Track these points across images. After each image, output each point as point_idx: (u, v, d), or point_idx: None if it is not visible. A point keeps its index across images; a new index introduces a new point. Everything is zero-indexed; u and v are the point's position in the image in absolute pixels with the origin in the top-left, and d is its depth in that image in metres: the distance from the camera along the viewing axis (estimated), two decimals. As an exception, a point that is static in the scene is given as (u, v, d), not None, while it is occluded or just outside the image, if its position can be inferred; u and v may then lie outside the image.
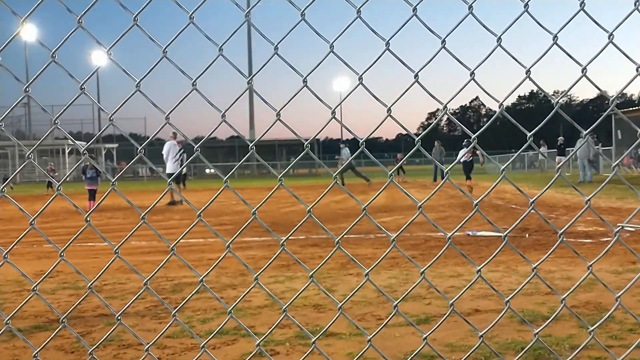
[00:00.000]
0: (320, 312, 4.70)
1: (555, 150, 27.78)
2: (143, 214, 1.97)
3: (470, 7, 1.79)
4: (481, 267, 1.96)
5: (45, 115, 54.80)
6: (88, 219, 2.00)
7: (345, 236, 8.77)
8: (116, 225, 11.73)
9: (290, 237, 2.07)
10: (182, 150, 17.11)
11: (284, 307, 2.08)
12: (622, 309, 4.41)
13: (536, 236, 8.66)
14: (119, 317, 2.09)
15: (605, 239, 8.13)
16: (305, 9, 1.83)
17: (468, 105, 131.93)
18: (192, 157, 2.08)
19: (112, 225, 11.70)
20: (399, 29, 1.82)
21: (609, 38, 1.74)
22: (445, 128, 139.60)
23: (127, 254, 7.65)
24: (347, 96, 2.07)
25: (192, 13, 1.82)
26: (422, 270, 2.05)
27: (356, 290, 2.45)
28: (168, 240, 2.10)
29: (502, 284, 5.53)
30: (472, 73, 1.83)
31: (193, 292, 2.25)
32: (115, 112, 1.99)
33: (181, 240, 7.30)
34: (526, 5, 1.79)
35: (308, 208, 1.96)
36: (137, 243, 8.62)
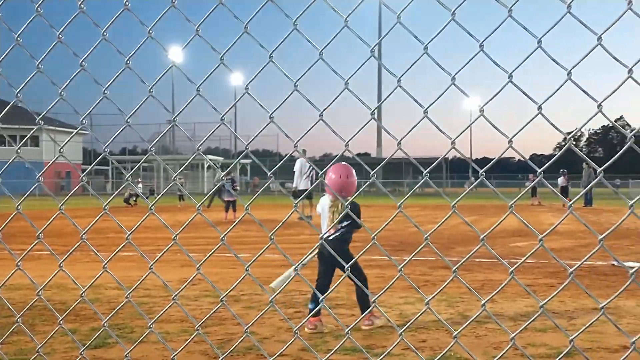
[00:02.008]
0: (452, 336, 4.59)
1: None
2: (270, 233, 2.06)
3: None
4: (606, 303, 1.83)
5: (187, 132, 58.70)
6: (223, 237, 2.12)
7: (478, 260, 8.52)
8: (250, 238, 12.25)
9: (420, 258, 2.06)
10: (311, 167, 17.52)
11: (401, 332, 2.07)
12: None
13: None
14: (247, 330, 2.19)
15: None
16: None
17: (610, 125, 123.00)
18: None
19: (248, 238, 12.24)
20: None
21: None
22: (585, 149, 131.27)
23: (261, 266, 7.97)
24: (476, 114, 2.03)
25: (347, 17, 1.88)
26: (541, 304, 1.95)
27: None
28: (297, 255, 2.17)
29: (654, 321, 5.08)
30: (599, 106, 1.73)
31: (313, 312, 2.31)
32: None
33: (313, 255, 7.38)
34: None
35: (425, 235, 1.95)
36: (270, 256, 8.96)
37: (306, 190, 17.31)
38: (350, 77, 1.84)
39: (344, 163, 4.93)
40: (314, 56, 1.84)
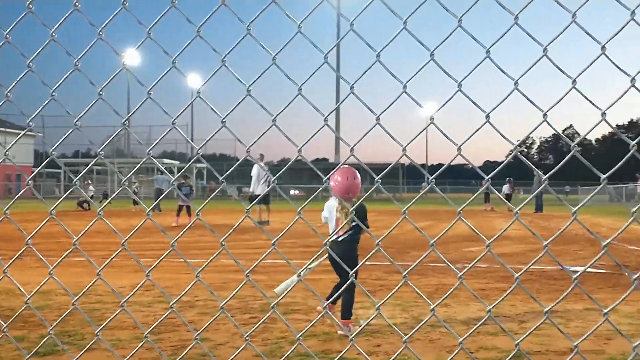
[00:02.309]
0: (408, 342, 4.64)
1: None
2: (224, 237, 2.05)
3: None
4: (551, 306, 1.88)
5: (141, 135, 57.75)
6: (173, 243, 2.10)
7: (432, 265, 8.64)
8: (206, 243, 12.11)
9: (375, 263, 2.08)
10: (267, 173, 17.58)
11: (351, 337, 2.09)
12: None
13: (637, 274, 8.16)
14: (197, 337, 2.17)
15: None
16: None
17: (562, 133, 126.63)
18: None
19: (203, 243, 12.09)
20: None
21: None
22: (536, 157, 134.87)
23: (217, 271, 7.89)
24: (440, 108, 2.06)
25: (301, 23, 1.88)
26: (488, 308, 1.99)
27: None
28: (252, 260, 2.16)
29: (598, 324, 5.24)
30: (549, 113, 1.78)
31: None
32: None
33: (268, 261, 7.46)
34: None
35: (377, 241, 1.97)
36: (226, 261, 8.87)
37: (264, 194, 17.35)
38: (303, 83, 1.84)
39: (347, 166, 5.00)
40: (267, 61, 1.84)
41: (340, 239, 4.93)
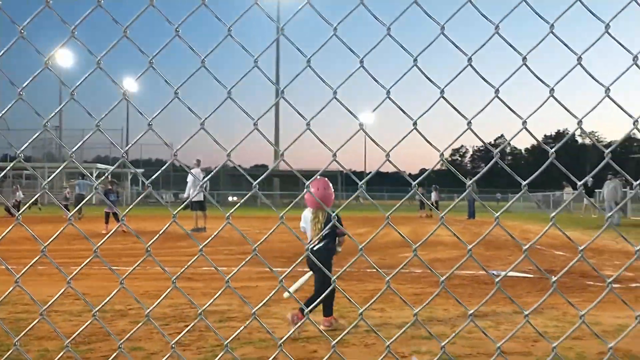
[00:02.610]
0: (344, 346, 4.67)
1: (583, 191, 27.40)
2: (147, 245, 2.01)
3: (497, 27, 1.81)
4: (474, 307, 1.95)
5: (74, 138, 55.72)
6: (96, 250, 2.05)
7: (368, 270, 8.74)
8: (140, 250, 11.82)
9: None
10: (205, 178, 17.40)
11: (280, 342, 2.09)
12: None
13: (562, 279, 8.52)
14: (120, 346, 2.12)
15: (635, 285, 7.96)
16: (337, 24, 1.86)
17: (493, 143, 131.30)
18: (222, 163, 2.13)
19: (138, 250, 11.81)
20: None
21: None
22: (469, 165, 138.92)
23: (152, 279, 7.71)
24: (375, 108, 2.09)
25: (231, 26, 1.87)
26: (415, 312, 2.04)
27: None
28: (191, 268, 2.13)
29: (527, 326, 5.43)
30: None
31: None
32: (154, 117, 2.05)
33: (205, 268, 7.37)
34: (551, 26, 1.82)
35: (307, 246, 1.99)
36: (159, 269, 8.69)
37: (199, 201, 17.23)
38: (233, 86, 1.83)
39: (320, 177, 5.16)
40: (197, 63, 1.81)
41: (315, 248, 5.17)
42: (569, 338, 5.03)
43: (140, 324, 2.16)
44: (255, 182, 1.97)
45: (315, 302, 4.74)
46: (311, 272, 5.35)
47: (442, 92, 1.76)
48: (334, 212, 2.13)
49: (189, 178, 17.57)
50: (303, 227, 5.39)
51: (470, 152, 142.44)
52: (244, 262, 2.23)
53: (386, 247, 12.33)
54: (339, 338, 2.25)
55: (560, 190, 41.54)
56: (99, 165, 57.22)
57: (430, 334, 2.13)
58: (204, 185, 17.31)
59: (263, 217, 25.77)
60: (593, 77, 1.86)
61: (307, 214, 5.29)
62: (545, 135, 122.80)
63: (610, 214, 1.92)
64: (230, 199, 58.68)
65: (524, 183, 1.82)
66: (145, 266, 8.18)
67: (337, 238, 5.25)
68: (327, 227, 5.04)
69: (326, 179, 5.27)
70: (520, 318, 5.71)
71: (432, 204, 30.27)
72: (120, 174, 57.62)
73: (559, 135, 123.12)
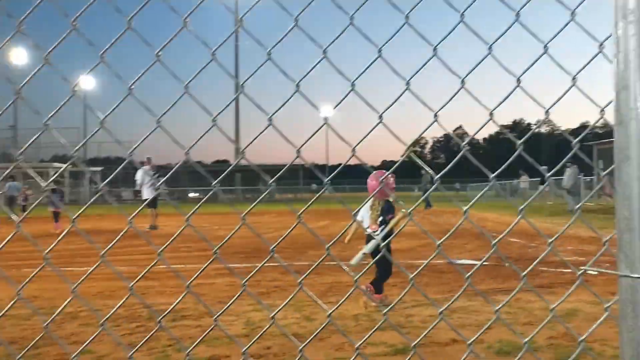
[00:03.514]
0: (300, 341, 4.66)
1: (538, 179, 28.11)
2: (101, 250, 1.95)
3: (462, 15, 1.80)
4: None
5: (31, 137, 53.95)
6: (46, 257, 1.97)
7: (327, 264, 8.74)
8: (95, 251, 11.57)
9: (272, 264, 2.05)
10: (156, 175, 17.44)
11: (244, 350, 2.06)
12: (600, 341, 4.43)
13: (517, 265, 8.69)
14: (76, 355, 2.06)
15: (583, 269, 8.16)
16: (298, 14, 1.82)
17: (452, 133, 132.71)
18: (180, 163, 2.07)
19: (93, 250, 11.54)
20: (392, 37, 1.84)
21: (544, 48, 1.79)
22: (429, 156, 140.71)
23: (107, 279, 7.55)
24: (338, 103, 2.07)
25: (186, 17, 1.80)
26: (443, 310, 2.04)
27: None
28: (143, 267, 2.07)
29: (482, 314, 5.53)
30: (463, 81, 1.85)
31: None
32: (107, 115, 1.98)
33: (162, 267, 7.25)
34: (517, 13, 1.82)
35: (271, 247, 1.96)
36: (117, 268, 8.52)
37: (149, 199, 17.17)
38: (189, 81, 1.76)
39: (377, 171, 5.82)
40: (150, 57, 1.74)
41: (377, 233, 5.88)
42: (519, 324, 5.14)
43: (95, 334, 2.09)
44: (215, 182, 1.92)
45: (381, 279, 5.87)
46: (367, 248, 5.89)
47: (407, 83, 1.74)
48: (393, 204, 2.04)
49: (138, 176, 17.41)
50: (361, 216, 6.05)
51: (431, 143, 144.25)
52: (205, 266, 2.16)
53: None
54: (315, 335, 2.21)
55: (517, 179, 42.46)
56: (55, 165, 55.77)
57: (393, 326, 2.12)
58: (154, 183, 17.29)
59: (224, 214, 25.53)
60: (560, 66, 1.87)
61: (368, 204, 5.98)
62: (502, 125, 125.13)
63: (578, 205, 1.96)
64: (191, 195, 58.03)
65: (491, 176, 1.85)
66: (99, 266, 8.00)
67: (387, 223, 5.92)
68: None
69: (384, 171, 5.99)
70: (474, 306, 5.79)
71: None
72: (77, 172, 56.28)
73: (516, 124, 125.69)
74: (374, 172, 5.77)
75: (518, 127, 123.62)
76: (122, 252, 10.80)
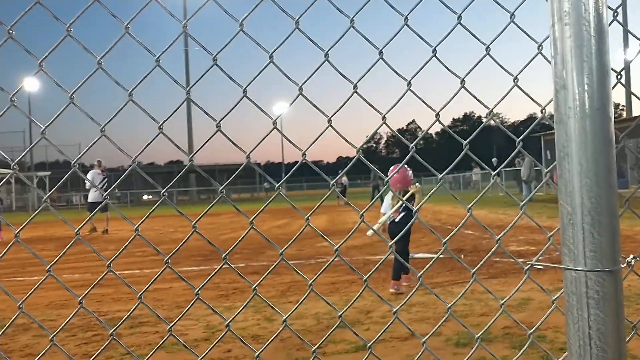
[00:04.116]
0: (259, 342, 4.65)
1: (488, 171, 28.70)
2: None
3: (459, 17, 1.83)
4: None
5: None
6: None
7: (284, 263, 8.73)
8: (48, 258, 11.25)
9: (229, 266, 2.04)
10: (105, 179, 17.27)
11: (200, 358, 2.05)
12: (553, 329, 4.57)
13: (471, 257, 8.88)
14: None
15: (522, 260, 8.40)
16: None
17: (405, 128, 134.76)
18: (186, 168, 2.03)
19: (44, 258, 11.22)
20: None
21: (485, 50, 1.85)
22: (384, 151, 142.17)
23: (58, 288, 7.35)
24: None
25: (128, 23, 1.77)
26: (397, 309, 2.06)
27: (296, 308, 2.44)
28: (100, 273, 2.03)
29: (440, 306, 5.63)
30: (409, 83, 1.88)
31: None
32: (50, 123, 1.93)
33: (118, 272, 7.05)
34: (459, 17, 1.86)
35: (223, 255, 1.95)
36: (70, 276, 8.31)
37: (98, 202, 16.93)
38: (135, 87, 1.73)
39: (394, 165, 6.50)
40: (91, 64, 1.71)
41: (397, 220, 6.67)
42: (475, 315, 5.26)
43: (46, 348, 2.04)
44: (163, 191, 1.88)
45: (400, 265, 6.46)
46: (388, 214, 6.63)
47: (355, 86, 1.76)
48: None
49: (88, 178, 17.14)
50: (384, 210, 6.79)
51: (385, 139, 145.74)
52: (157, 275, 2.13)
53: (303, 238, 12.38)
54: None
55: (470, 171, 43.37)
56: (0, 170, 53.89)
57: (349, 327, 2.14)
58: (104, 187, 17.12)
59: (179, 216, 25.16)
60: (502, 67, 1.92)
61: (390, 195, 6.80)
62: (453, 119, 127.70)
63: (523, 202, 2.02)
64: (145, 197, 57.05)
65: (440, 176, 1.91)
66: (44, 274, 7.80)
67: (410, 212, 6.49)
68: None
69: (405, 165, 6.75)
70: (431, 300, 5.89)
71: (340, 192, 31.68)
72: (27, 177, 54.57)
73: (467, 117, 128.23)
74: (392, 166, 6.58)
75: (469, 120, 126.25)
76: (74, 259, 10.53)
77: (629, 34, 1.87)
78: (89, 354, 4.43)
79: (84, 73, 1.70)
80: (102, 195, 16.75)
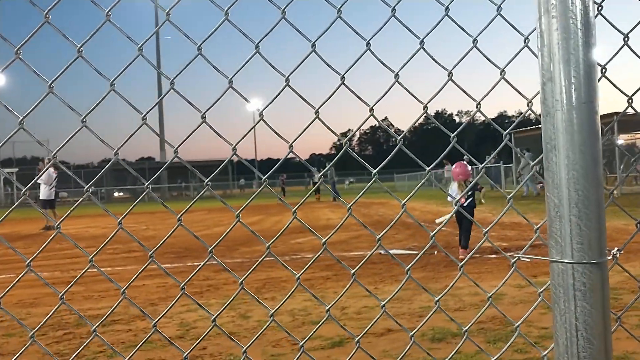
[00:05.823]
0: (237, 339, 4.60)
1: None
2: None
3: (447, 8, 1.81)
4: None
5: None
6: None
7: (261, 259, 8.69)
8: (13, 256, 11.01)
9: (205, 263, 2.01)
10: (55, 177, 17.60)
11: (185, 355, 2.01)
12: (526, 323, 4.63)
13: (445, 253, 8.95)
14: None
15: (509, 254, 8.51)
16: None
17: (377, 125, 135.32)
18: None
19: (10, 256, 10.98)
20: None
21: (473, 42, 1.85)
22: (357, 148, 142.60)
23: (27, 286, 7.20)
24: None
25: (109, 10, 1.72)
26: (383, 305, 2.04)
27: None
28: (72, 271, 1.97)
29: (414, 302, 5.65)
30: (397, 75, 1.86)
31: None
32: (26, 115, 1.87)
33: (90, 270, 6.95)
34: (447, 9, 1.85)
35: (210, 249, 1.91)
36: (41, 275, 8.14)
37: (50, 200, 17.14)
38: (115, 79, 1.67)
39: (460, 161, 8.65)
40: (71, 54, 1.66)
41: (465, 205, 8.16)
42: (450, 310, 5.29)
43: (25, 346, 1.97)
44: (147, 183, 1.84)
45: (466, 237, 8.29)
46: (451, 213, 8.33)
47: (342, 78, 1.74)
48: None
49: (42, 177, 17.08)
50: (450, 198, 8.40)
51: (358, 136, 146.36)
52: (141, 269, 2.08)
53: (276, 235, 12.33)
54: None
55: (442, 168, 43.76)
56: (-35, 167, 52.51)
57: (333, 319, 2.12)
58: (53, 184, 17.44)
59: (150, 212, 24.86)
60: (489, 60, 1.91)
61: (454, 186, 8.47)
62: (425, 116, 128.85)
63: (511, 195, 2.02)
64: (116, 194, 56.32)
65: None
66: (18, 273, 7.64)
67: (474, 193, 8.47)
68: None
69: (464, 162, 8.72)
70: (407, 295, 5.92)
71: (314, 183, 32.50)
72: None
73: (438, 115, 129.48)
74: (457, 162, 8.60)
75: (440, 118, 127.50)
76: (44, 256, 10.32)
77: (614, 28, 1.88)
78: (60, 353, 4.34)
79: (62, 63, 1.65)
80: (54, 192, 17.31)
